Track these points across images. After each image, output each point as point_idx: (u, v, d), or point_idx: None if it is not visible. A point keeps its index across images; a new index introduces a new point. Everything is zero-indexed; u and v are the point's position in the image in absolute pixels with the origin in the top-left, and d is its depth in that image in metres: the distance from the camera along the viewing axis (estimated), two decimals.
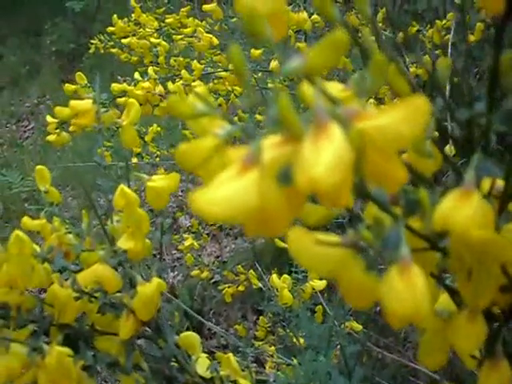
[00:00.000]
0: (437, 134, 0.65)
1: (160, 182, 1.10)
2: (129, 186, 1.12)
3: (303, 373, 1.63)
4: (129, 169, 1.14)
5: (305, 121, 0.44)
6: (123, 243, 1.08)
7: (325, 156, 0.40)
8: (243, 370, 1.39)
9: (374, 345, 2.64)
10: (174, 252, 4.26)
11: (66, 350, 1.06)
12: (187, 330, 1.34)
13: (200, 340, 1.32)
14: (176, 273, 4.24)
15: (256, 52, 2.68)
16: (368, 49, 0.56)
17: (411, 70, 2.65)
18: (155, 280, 1.09)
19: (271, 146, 0.46)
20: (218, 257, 4.40)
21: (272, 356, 2.35)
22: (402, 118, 0.43)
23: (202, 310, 3.89)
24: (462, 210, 0.52)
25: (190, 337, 1.30)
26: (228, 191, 0.42)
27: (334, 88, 0.61)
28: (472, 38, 2.50)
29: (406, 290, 0.48)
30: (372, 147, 0.44)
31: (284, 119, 0.42)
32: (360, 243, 0.54)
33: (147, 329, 1.23)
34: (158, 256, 1.36)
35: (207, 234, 4.02)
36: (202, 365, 1.29)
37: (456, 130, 0.62)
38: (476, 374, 0.90)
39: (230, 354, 1.35)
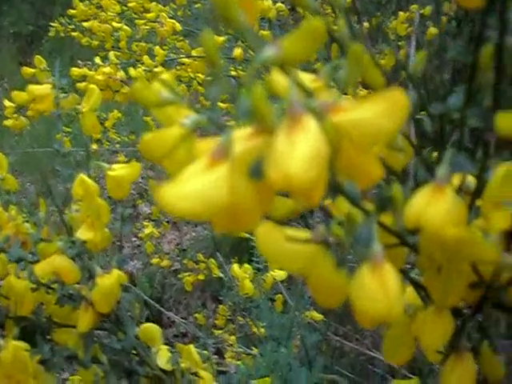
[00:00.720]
0: (408, 127, 0.63)
1: (121, 171, 1.07)
2: (89, 175, 1.08)
3: (264, 364, 1.62)
4: (89, 156, 1.11)
5: (278, 112, 0.42)
6: (82, 234, 1.05)
7: (299, 150, 0.38)
8: (204, 362, 1.37)
9: (333, 334, 2.66)
10: (133, 240, 4.22)
11: (23, 344, 1.02)
12: (147, 319, 1.32)
13: (160, 331, 1.30)
14: (136, 261, 4.20)
15: (219, 39, 2.65)
16: (343, 39, 0.54)
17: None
18: (115, 272, 1.06)
19: (242, 139, 0.44)
20: (178, 244, 4.37)
21: (232, 345, 2.34)
22: (381, 112, 0.41)
23: (161, 298, 3.87)
24: (434, 207, 0.51)
25: (151, 328, 1.27)
26: (197, 186, 0.40)
27: (305, 79, 0.59)
28: (434, 30, 2.51)
29: (378, 289, 0.46)
30: (348, 141, 0.42)
31: (257, 110, 0.40)
32: (330, 239, 0.53)
33: (106, 321, 1.20)
34: (118, 245, 1.33)
35: (167, 221, 3.98)
36: (162, 357, 1.27)
37: (428, 125, 0.60)
38: (434, 364, 0.91)
39: (191, 346, 1.33)
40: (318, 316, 2.29)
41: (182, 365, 1.30)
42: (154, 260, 3.40)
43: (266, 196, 0.43)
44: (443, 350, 0.79)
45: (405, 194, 0.55)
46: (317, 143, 0.39)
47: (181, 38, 3.00)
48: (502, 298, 0.67)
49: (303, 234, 0.53)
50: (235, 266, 1.98)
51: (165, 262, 3.38)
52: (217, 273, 2.59)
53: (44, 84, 1.28)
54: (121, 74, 2.56)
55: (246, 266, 1.95)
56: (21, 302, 1.09)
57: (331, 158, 0.43)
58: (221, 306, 2.85)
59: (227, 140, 0.42)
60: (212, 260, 2.71)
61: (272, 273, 2.01)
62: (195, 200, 0.39)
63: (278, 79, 0.50)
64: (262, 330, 2.03)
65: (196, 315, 3.22)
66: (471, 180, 0.68)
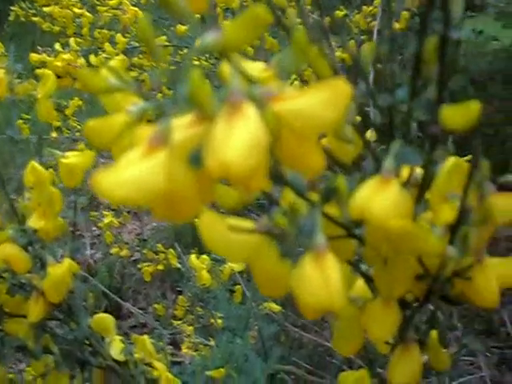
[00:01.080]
0: (358, 119, 0.63)
1: (73, 158, 1.05)
2: (41, 162, 1.06)
3: (220, 355, 1.62)
4: (41, 143, 1.09)
5: (219, 100, 0.41)
6: (33, 222, 1.03)
7: (237, 138, 0.37)
8: (158, 352, 1.37)
9: (291, 325, 2.67)
10: (93, 229, 4.17)
11: None
12: (105, 309, 1.31)
13: (115, 322, 1.29)
14: (95, 251, 4.16)
15: (182, 28, 2.63)
16: (291, 29, 0.54)
17: (337, 53, 2.67)
18: (66, 261, 1.05)
19: (181, 126, 0.43)
20: (138, 234, 4.34)
21: (189, 336, 2.34)
22: (322, 101, 0.41)
23: (121, 289, 3.84)
24: (379, 199, 0.51)
25: (104, 319, 1.26)
26: (133, 173, 0.39)
27: (256, 67, 0.58)
28: (397, 25, 2.53)
29: (320, 280, 0.46)
30: (289, 130, 0.42)
31: (195, 97, 0.39)
32: (275, 229, 0.52)
33: (59, 311, 1.19)
34: (75, 234, 1.31)
35: (128, 211, 3.95)
36: (115, 347, 1.26)
37: (377, 116, 0.60)
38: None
39: (145, 337, 1.32)
40: (276, 307, 2.30)
41: (136, 355, 1.29)
42: (114, 250, 3.36)
43: (206, 185, 0.43)
44: (393, 341, 0.80)
45: (352, 186, 0.55)
46: (256, 131, 0.38)
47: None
48: (447, 290, 0.68)
49: (247, 223, 0.52)
50: (193, 257, 1.98)
51: (124, 252, 3.35)
52: (175, 263, 2.58)
53: None
54: (81, 62, 2.52)
55: (204, 256, 1.95)
56: None
57: (272, 147, 0.43)
58: (180, 297, 2.84)
59: (165, 127, 0.41)
60: (171, 250, 2.70)
61: (230, 264, 2.01)
62: (131, 187, 0.38)
63: (225, 66, 0.50)
64: (219, 321, 2.03)
65: (155, 306, 3.21)
66: (420, 172, 0.68)
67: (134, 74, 2.95)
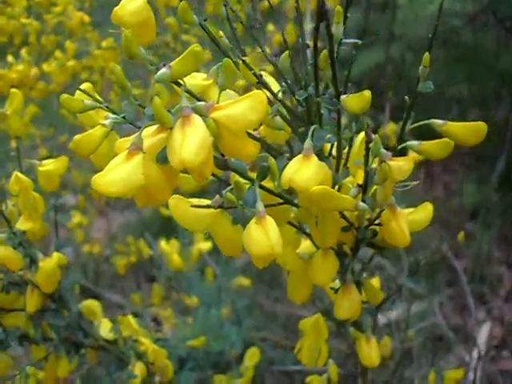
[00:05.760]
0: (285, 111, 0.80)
1: (50, 165, 1.19)
2: (21, 171, 1.19)
3: (198, 327, 1.78)
4: (19, 154, 1.22)
5: (174, 114, 0.57)
6: (21, 224, 1.17)
7: (189, 141, 0.54)
8: (143, 329, 1.52)
9: (265, 298, 2.83)
10: (62, 230, 4.24)
11: None
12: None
13: (100, 306, 1.43)
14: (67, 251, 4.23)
15: None
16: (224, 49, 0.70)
17: (276, 38, 2.82)
18: (55, 254, 1.19)
19: (150, 135, 0.60)
20: (107, 231, 4.42)
21: (169, 318, 2.48)
22: (247, 107, 0.57)
23: (97, 286, 3.93)
24: (301, 171, 0.68)
25: (91, 304, 1.41)
26: (120, 173, 0.55)
27: (199, 77, 0.75)
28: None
29: (262, 235, 0.63)
30: (226, 131, 0.59)
31: (157, 116, 0.56)
32: (226, 204, 0.69)
33: (52, 303, 1.33)
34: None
35: (94, 210, 4.04)
36: (104, 328, 1.41)
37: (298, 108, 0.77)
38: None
39: (130, 316, 1.48)
40: (246, 281, 2.45)
41: (124, 333, 1.44)
42: (85, 247, 3.46)
43: (172, 176, 0.59)
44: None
45: (283, 163, 0.72)
46: (202, 135, 0.55)
47: (90, 29, 3.07)
48: (371, 238, 0.85)
49: (205, 201, 0.69)
50: (162, 243, 2.12)
51: (96, 248, 3.45)
52: (147, 252, 2.70)
53: None
54: (34, 71, 2.63)
55: (173, 241, 2.09)
56: None
57: (216, 144, 0.60)
58: (154, 285, 2.96)
59: (139, 138, 0.57)
60: (141, 241, 2.82)
61: (198, 246, 2.16)
62: (119, 184, 0.55)
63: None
64: (195, 299, 2.18)
65: (132, 296, 3.32)
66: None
67: (85, 75, 3.04)
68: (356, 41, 0.71)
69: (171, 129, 0.56)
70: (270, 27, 2.93)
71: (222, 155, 0.64)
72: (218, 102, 0.62)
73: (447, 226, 3.33)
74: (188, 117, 0.56)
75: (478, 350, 2.09)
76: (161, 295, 2.89)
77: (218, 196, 0.69)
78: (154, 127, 0.60)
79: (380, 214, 0.79)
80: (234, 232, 0.69)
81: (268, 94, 0.62)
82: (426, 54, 0.73)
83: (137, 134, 0.58)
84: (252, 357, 1.72)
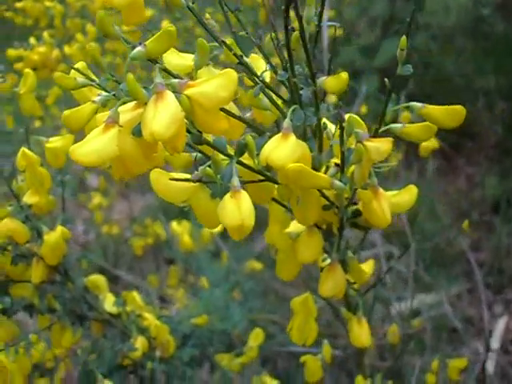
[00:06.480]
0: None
1: (56, 143, 1.23)
2: (30, 148, 1.24)
3: (202, 306, 1.82)
4: (28, 132, 1.27)
5: (149, 91, 0.61)
6: (28, 198, 1.22)
7: (160, 115, 0.57)
8: (147, 305, 1.57)
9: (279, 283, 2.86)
10: (84, 212, 4.32)
11: None
12: None
13: (106, 281, 1.48)
14: (88, 233, 4.30)
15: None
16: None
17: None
18: (59, 228, 1.24)
19: (129, 110, 0.63)
20: (128, 214, 4.49)
21: (181, 298, 2.52)
22: (218, 85, 0.60)
23: (116, 266, 4.00)
24: (278, 149, 0.71)
25: (97, 279, 1.46)
26: (95, 145, 0.59)
27: (189, 58, 0.78)
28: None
29: (234, 207, 0.66)
30: (199, 107, 0.62)
31: (130, 92, 0.59)
32: (205, 178, 0.72)
33: (57, 276, 1.38)
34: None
35: (116, 192, 4.11)
36: (108, 302, 1.46)
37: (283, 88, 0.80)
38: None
39: (134, 292, 1.53)
40: (258, 265, 2.49)
41: (128, 308, 1.49)
42: (104, 228, 3.51)
43: (148, 149, 0.63)
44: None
45: (263, 142, 0.75)
46: (173, 109, 0.58)
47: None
48: (351, 217, 0.88)
49: (185, 175, 0.73)
50: (174, 224, 2.16)
51: (114, 229, 3.50)
52: (163, 234, 2.74)
53: None
54: (56, 53, 2.67)
55: (184, 222, 2.13)
56: None
57: (190, 119, 0.63)
58: (172, 267, 3.01)
59: (115, 112, 0.61)
60: (157, 222, 2.87)
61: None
62: (94, 154, 0.58)
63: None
64: (205, 281, 2.22)
65: (149, 278, 3.38)
66: (331, 128, 0.88)
67: (109, 58, 3.09)
68: (333, 24, 0.73)
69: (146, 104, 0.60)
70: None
71: (199, 131, 0.68)
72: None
73: (468, 217, 3.33)
74: (161, 93, 0.59)
75: (490, 343, 2.08)
76: (177, 277, 2.94)
77: (197, 171, 0.73)
78: (134, 103, 0.63)
79: (355, 193, 0.81)
80: (212, 205, 0.72)
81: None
82: (403, 37, 0.75)
83: (113, 108, 0.61)
84: (256, 337, 1.75)
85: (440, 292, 2.65)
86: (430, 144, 2.57)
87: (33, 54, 2.65)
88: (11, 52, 2.63)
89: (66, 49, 2.79)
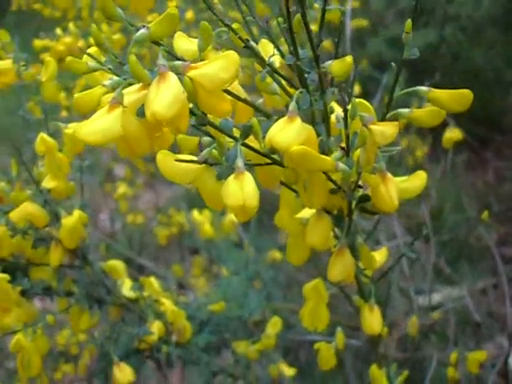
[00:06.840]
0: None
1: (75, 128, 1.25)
2: (49, 134, 1.26)
3: (220, 294, 1.84)
4: (46, 119, 1.29)
5: (153, 73, 0.62)
6: (47, 183, 1.24)
7: (162, 96, 0.59)
8: (165, 291, 1.59)
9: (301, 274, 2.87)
10: (110, 202, 4.37)
11: (5, 275, 1.22)
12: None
13: (124, 266, 1.50)
14: (114, 222, 4.35)
15: (172, 3, 2.81)
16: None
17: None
18: (76, 212, 1.27)
19: (135, 91, 0.65)
20: (155, 204, 4.53)
21: (202, 287, 2.55)
22: (220, 67, 0.62)
23: (140, 255, 4.04)
24: (283, 131, 0.72)
25: (115, 263, 1.49)
26: (100, 124, 0.60)
27: (194, 42, 0.80)
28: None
29: (237, 188, 0.67)
30: (202, 89, 0.63)
31: (133, 73, 0.61)
32: (211, 159, 0.74)
33: (76, 259, 1.41)
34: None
35: (142, 182, 4.15)
36: (126, 287, 1.49)
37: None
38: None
39: (152, 277, 1.55)
40: (279, 255, 2.50)
41: (145, 293, 1.51)
42: (129, 217, 3.55)
43: (152, 130, 0.64)
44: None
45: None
46: (175, 90, 0.59)
47: None
48: (358, 201, 0.88)
49: (191, 156, 0.74)
50: (195, 212, 2.18)
51: (140, 219, 3.53)
52: (186, 223, 2.76)
53: (6, 59, 1.45)
54: (81, 44, 2.71)
55: (205, 211, 2.15)
56: (0, 246, 1.28)
57: (194, 100, 0.64)
58: (196, 257, 3.03)
59: (119, 93, 0.62)
60: (181, 212, 2.89)
61: (230, 216, 2.21)
62: (99, 134, 0.60)
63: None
64: (225, 270, 2.24)
65: (174, 268, 3.41)
66: (340, 112, 0.89)
67: (133, 49, 3.11)
68: (339, 7, 0.74)
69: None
70: None
71: (204, 113, 0.69)
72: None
73: (495, 212, 3.30)
74: (163, 74, 0.61)
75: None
76: (201, 267, 2.96)
77: (203, 152, 0.74)
78: (140, 85, 0.64)
79: (360, 176, 0.82)
80: (218, 187, 0.73)
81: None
82: (409, 20, 0.76)
83: (117, 89, 0.63)
84: (274, 325, 1.77)
85: (464, 286, 2.64)
86: (454, 135, 2.55)
87: (59, 44, 2.69)
88: (37, 42, 2.67)
89: (92, 39, 2.81)
